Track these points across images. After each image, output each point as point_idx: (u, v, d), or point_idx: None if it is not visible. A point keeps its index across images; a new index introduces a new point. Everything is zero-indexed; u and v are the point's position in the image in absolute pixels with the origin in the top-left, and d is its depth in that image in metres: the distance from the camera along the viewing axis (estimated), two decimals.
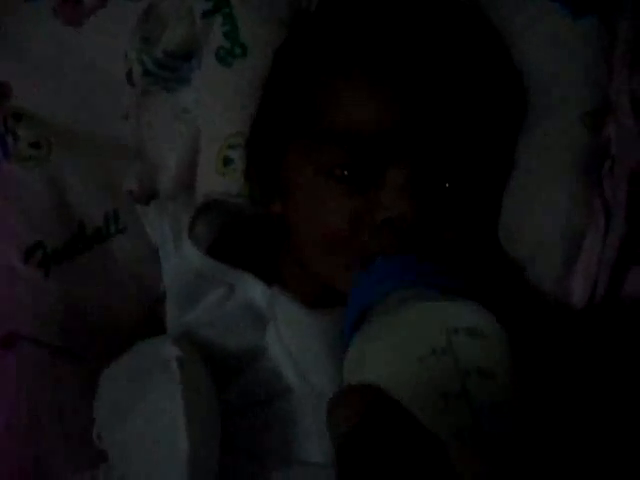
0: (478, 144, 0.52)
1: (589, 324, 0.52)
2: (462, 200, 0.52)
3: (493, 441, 0.32)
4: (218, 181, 0.63)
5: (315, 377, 0.50)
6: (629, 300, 0.52)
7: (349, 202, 0.51)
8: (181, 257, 0.59)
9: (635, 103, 0.52)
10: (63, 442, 0.55)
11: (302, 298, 0.54)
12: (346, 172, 0.51)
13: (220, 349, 0.54)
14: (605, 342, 0.51)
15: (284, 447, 0.50)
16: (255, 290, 0.56)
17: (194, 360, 0.50)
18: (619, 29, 0.53)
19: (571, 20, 0.54)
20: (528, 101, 0.56)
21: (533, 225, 0.54)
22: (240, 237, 0.62)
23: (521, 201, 0.55)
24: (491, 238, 0.56)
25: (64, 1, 0.65)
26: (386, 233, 0.50)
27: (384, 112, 0.50)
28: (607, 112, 0.53)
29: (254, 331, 0.54)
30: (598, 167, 0.53)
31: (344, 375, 0.38)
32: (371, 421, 0.31)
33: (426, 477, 0.30)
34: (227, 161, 0.62)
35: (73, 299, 0.60)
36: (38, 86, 0.66)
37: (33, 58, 0.65)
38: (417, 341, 0.35)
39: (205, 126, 0.63)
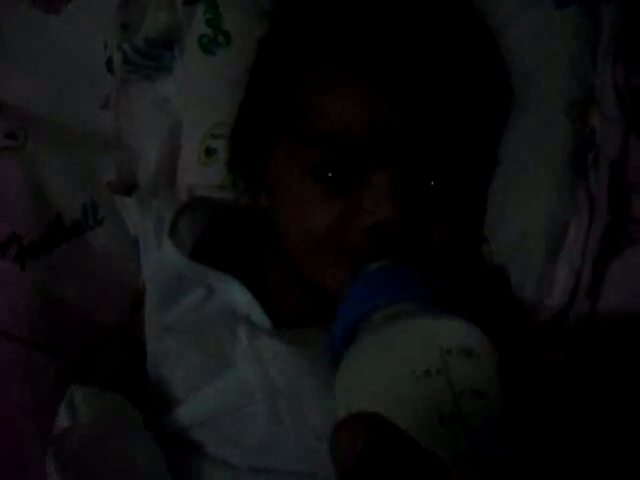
0: (463, 141, 0.52)
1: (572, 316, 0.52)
2: (448, 197, 0.52)
3: (489, 463, 0.32)
4: (200, 171, 0.62)
5: (307, 409, 0.49)
6: (611, 290, 0.52)
7: (334, 204, 0.51)
8: (161, 257, 0.57)
9: (619, 93, 0.52)
10: (38, 438, 0.54)
11: (284, 300, 0.55)
12: (331, 174, 0.51)
13: (196, 351, 0.53)
14: (589, 337, 0.51)
15: (254, 455, 0.49)
16: (235, 293, 0.54)
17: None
18: (603, 19, 0.53)
19: (555, 10, 0.54)
20: (513, 93, 0.56)
21: (517, 215, 0.54)
22: (224, 234, 0.61)
23: (506, 192, 0.55)
24: (477, 235, 0.56)
25: None
26: (372, 236, 0.50)
27: (369, 114, 0.50)
28: (592, 102, 0.53)
29: (232, 336, 0.53)
30: (583, 158, 0.53)
31: (337, 392, 0.37)
32: (376, 447, 0.30)
33: None
34: (210, 151, 0.61)
35: (50, 293, 0.59)
36: (14, 75, 0.65)
37: (9, 46, 0.65)
38: (412, 360, 0.35)
39: (187, 116, 0.63)
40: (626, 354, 0.48)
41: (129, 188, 0.63)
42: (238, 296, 0.54)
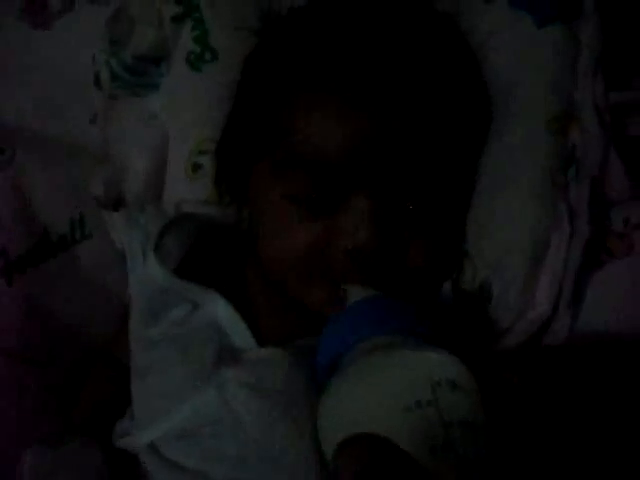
0: (442, 163, 0.53)
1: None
2: (427, 219, 0.53)
3: None
4: (187, 186, 0.62)
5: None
6: (593, 302, 0.53)
7: (312, 226, 0.51)
8: (146, 271, 0.58)
9: (598, 110, 0.53)
10: (23, 449, 0.53)
11: (268, 316, 0.55)
12: (311, 197, 0.51)
13: (179, 365, 0.53)
14: (571, 350, 0.52)
15: (235, 468, 0.49)
16: (219, 309, 0.55)
17: None
18: (583, 37, 0.54)
19: (536, 28, 0.55)
20: (495, 108, 0.57)
21: (499, 230, 0.55)
22: (210, 250, 0.61)
23: (488, 206, 0.56)
24: (457, 252, 0.57)
25: (31, 4, 0.65)
26: (349, 260, 0.50)
27: (349, 138, 0.50)
28: (572, 118, 0.54)
29: (216, 350, 0.53)
30: (564, 172, 0.54)
31: (320, 419, 0.38)
32: (379, 464, 0.31)
33: None
34: (197, 167, 0.62)
35: (37, 307, 0.59)
36: (2, 90, 0.65)
37: None
38: (402, 391, 0.36)
39: (174, 131, 0.63)
40: (606, 366, 0.49)
41: (116, 203, 0.64)
42: (222, 312, 0.54)
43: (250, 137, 0.56)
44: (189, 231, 0.60)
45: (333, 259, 0.51)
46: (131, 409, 0.55)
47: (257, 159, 0.56)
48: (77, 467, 0.52)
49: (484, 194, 0.56)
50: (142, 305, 0.57)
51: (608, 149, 0.53)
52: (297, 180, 0.51)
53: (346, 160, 0.50)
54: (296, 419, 0.48)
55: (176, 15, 0.62)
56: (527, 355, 0.53)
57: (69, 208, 0.62)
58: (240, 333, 0.53)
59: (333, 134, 0.50)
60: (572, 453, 0.44)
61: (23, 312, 0.58)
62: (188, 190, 0.62)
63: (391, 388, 0.36)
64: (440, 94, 0.52)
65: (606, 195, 0.54)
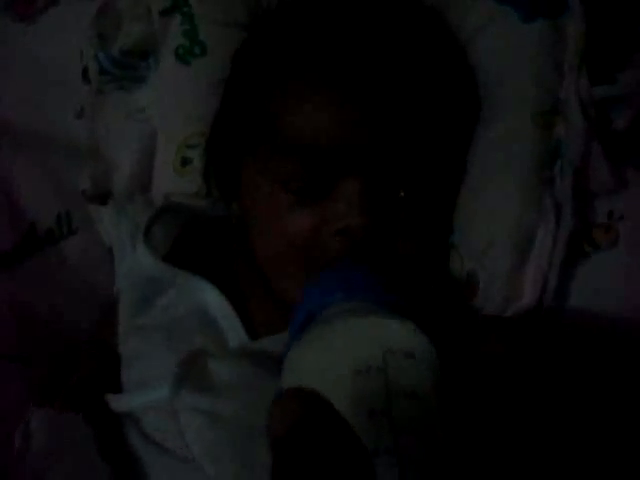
0: (432, 151, 0.53)
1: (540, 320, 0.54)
2: (417, 207, 0.53)
3: (408, 464, 0.32)
4: (176, 181, 0.62)
5: None
6: (577, 293, 0.54)
7: (304, 212, 0.52)
8: (135, 260, 0.58)
9: (583, 105, 0.54)
10: (7, 446, 0.53)
11: (258, 307, 0.55)
12: (302, 184, 0.52)
13: (166, 351, 0.53)
14: (555, 339, 0.53)
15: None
16: (208, 296, 0.55)
17: None
18: (568, 33, 0.55)
19: (522, 23, 0.56)
20: (481, 102, 0.58)
21: (486, 222, 0.55)
22: (199, 242, 0.61)
23: (474, 199, 0.57)
24: (445, 242, 0.57)
25: None
26: (339, 244, 0.51)
27: (339, 125, 0.51)
28: (557, 113, 0.55)
29: (204, 337, 0.53)
30: (549, 166, 0.55)
31: (282, 379, 0.38)
32: (307, 425, 0.31)
33: None
34: (185, 161, 0.62)
35: (22, 303, 0.59)
36: None
37: None
38: (354, 355, 0.36)
39: (162, 126, 0.63)
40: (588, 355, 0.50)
41: (104, 197, 0.63)
42: (213, 302, 0.54)
43: (240, 130, 0.57)
44: (177, 222, 0.60)
45: (324, 241, 0.51)
46: None
47: (248, 152, 0.56)
48: (76, 433, 0.52)
49: (471, 187, 0.57)
50: (130, 294, 0.57)
51: (591, 143, 0.53)
52: (288, 167, 0.52)
53: (336, 147, 0.50)
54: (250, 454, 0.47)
55: (165, 9, 0.62)
56: (515, 325, 0.53)
57: (56, 204, 0.62)
58: (232, 325, 0.53)
59: (323, 121, 0.51)
60: (559, 424, 0.45)
61: (9, 308, 0.58)
62: (176, 184, 0.62)
63: (345, 352, 0.36)
64: (428, 83, 0.53)
65: (590, 188, 0.55)
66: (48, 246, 0.61)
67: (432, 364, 0.37)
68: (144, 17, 0.62)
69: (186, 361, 0.50)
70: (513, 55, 0.56)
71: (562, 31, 0.55)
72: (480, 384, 0.46)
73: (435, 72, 0.54)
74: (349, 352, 0.36)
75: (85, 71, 0.62)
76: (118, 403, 0.53)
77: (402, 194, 0.52)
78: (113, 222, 0.60)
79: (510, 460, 0.43)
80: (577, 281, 0.54)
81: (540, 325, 0.53)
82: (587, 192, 0.55)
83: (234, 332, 0.53)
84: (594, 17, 0.54)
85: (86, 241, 0.62)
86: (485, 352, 0.49)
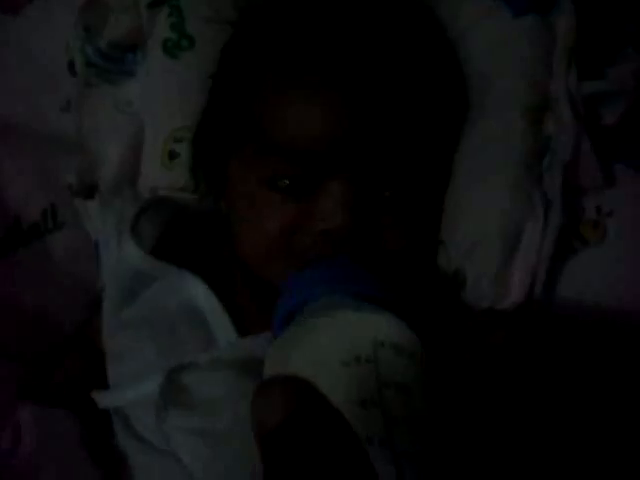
0: (418, 150, 0.53)
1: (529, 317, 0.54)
2: (403, 207, 0.53)
3: (400, 455, 0.32)
4: (163, 175, 0.62)
5: None
6: (566, 289, 0.54)
7: (287, 209, 0.52)
8: (122, 254, 0.57)
9: (572, 101, 0.54)
10: None
11: (247, 302, 0.55)
12: (287, 182, 0.52)
13: (152, 345, 0.53)
14: (544, 335, 0.53)
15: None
16: (195, 290, 0.55)
17: None
18: (558, 29, 0.55)
19: (512, 19, 0.56)
20: (471, 97, 0.58)
21: (474, 218, 0.55)
22: (186, 236, 0.61)
23: (463, 195, 0.57)
24: (433, 240, 0.57)
25: None
26: (323, 243, 0.51)
27: (326, 124, 0.50)
28: (547, 109, 0.55)
29: (191, 331, 0.53)
30: (539, 161, 0.55)
31: (265, 372, 0.38)
32: (302, 415, 0.31)
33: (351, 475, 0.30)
34: (173, 155, 0.61)
35: (7, 299, 0.58)
36: None
37: None
38: (343, 346, 0.36)
39: (149, 119, 0.62)
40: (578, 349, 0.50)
41: (90, 191, 0.62)
42: (202, 297, 0.54)
43: (227, 126, 0.56)
44: (164, 215, 0.60)
45: (305, 239, 0.51)
46: None
47: (234, 148, 0.55)
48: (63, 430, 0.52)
49: (459, 183, 0.57)
50: (116, 288, 0.57)
51: (581, 138, 0.53)
52: (274, 165, 0.52)
53: (322, 145, 0.50)
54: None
55: (152, 1, 0.61)
56: (509, 317, 0.53)
57: (41, 197, 0.61)
58: (220, 320, 0.53)
59: (309, 120, 0.50)
60: (558, 413, 0.45)
61: None
62: (164, 178, 0.62)
63: (332, 344, 0.36)
64: (416, 81, 0.53)
65: (579, 184, 0.55)
66: (33, 240, 0.60)
67: (419, 356, 0.37)
68: (132, 9, 0.61)
69: (169, 379, 0.49)
70: (503, 50, 0.56)
71: (552, 27, 0.55)
72: (478, 375, 0.46)
73: (422, 70, 0.54)
74: (337, 344, 0.36)
75: (72, 64, 0.62)
76: (105, 399, 0.53)
77: (387, 194, 0.52)
78: (99, 216, 0.59)
79: (508, 451, 0.43)
80: (565, 277, 0.54)
81: (530, 320, 0.53)
82: (576, 188, 0.55)
83: (222, 327, 0.53)
84: (584, 12, 0.54)
85: (72, 236, 0.62)
86: (482, 343, 0.49)
